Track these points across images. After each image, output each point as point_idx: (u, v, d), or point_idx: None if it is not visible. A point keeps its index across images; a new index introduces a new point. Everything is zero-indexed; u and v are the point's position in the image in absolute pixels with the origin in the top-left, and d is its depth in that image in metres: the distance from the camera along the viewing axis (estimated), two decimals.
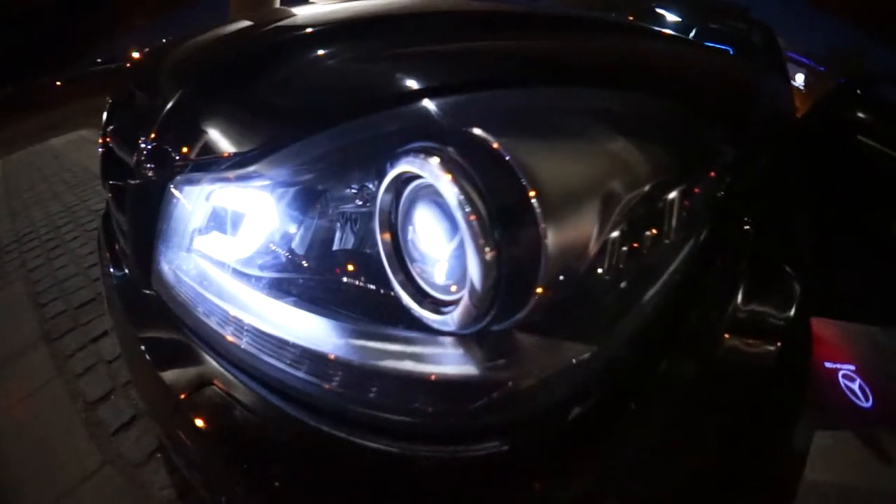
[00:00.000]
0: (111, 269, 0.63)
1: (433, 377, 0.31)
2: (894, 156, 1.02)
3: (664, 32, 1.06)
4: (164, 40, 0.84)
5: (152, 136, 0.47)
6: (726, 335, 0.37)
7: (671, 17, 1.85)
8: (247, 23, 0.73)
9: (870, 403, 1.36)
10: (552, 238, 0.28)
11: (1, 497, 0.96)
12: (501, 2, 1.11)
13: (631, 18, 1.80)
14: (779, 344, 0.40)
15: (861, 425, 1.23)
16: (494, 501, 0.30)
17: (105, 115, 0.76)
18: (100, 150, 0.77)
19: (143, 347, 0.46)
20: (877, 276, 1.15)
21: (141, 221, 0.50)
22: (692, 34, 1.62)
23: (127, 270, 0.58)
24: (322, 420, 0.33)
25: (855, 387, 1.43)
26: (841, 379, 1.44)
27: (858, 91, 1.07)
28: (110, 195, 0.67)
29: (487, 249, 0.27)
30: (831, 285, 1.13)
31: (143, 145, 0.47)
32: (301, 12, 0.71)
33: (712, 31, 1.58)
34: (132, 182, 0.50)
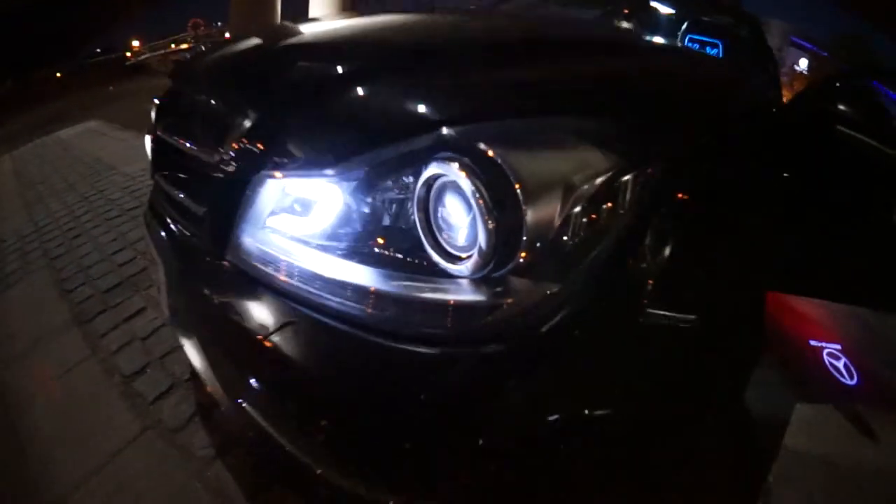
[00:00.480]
0: (169, 246, 0.70)
1: (452, 303, 0.47)
2: (871, 145, 1.09)
3: (638, 46, 1.14)
4: (204, 45, 0.93)
5: (243, 140, 0.57)
6: (650, 284, 0.52)
7: (665, 10, 1.91)
8: (303, 35, 0.88)
9: (854, 381, 1.45)
10: (531, 215, 0.44)
11: (43, 467, 1.03)
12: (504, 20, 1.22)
13: (626, 11, 1.85)
14: (695, 314, 0.56)
15: (845, 402, 1.32)
16: (496, 379, 0.48)
17: (154, 113, 0.84)
18: (150, 144, 0.84)
19: (220, 304, 0.57)
20: (853, 258, 1.23)
21: (220, 206, 0.60)
22: (684, 27, 1.68)
23: (196, 245, 0.66)
24: (379, 336, 0.48)
25: (840, 365, 1.52)
26: (826, 357, 1.53)
27: (837, 84, 1.14)
28: (169, 183, 0.75)
29: (490, 223, 0.43)
30: (806, 264, 1.21)
31: (232, 146, 0.58)
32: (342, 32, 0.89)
33: (703, 24, 1.64)
34: (217, 175, 0.60)
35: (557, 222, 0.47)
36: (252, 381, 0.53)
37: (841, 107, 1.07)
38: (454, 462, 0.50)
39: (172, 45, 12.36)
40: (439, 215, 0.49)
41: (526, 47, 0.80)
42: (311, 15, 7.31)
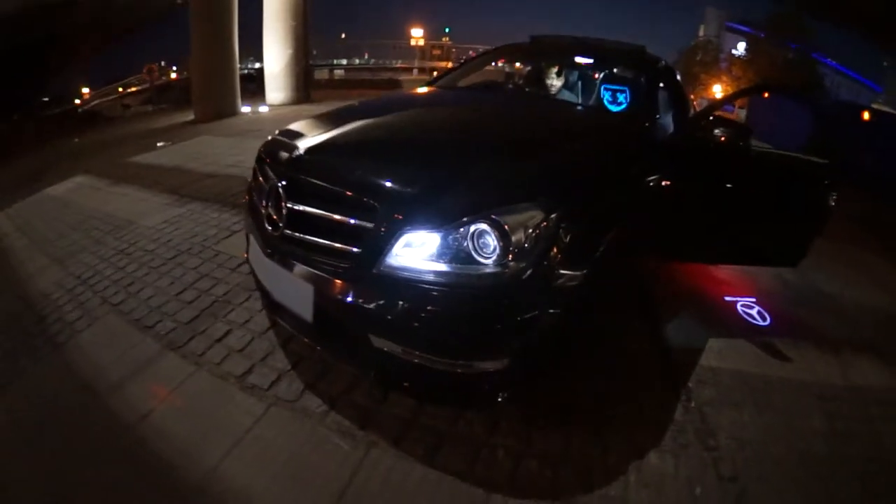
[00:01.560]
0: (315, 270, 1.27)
1: (486, 272, 1.12)
2: (732, 155, 1.82)
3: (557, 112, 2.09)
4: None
5: (393, 215, 1.17)
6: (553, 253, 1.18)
7: (586, 62, 2.67)
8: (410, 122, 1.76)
9: (767, 322, 2.19)
10: (511, 241, 1.12)
11: (188, 449, 1.38)
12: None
13: (556, 69, 2.57)
14: (585, 269, 1.23)
15: (757, 336, 2.03)
16: (500, 298, 1.13)
17: (289, 165, 1.41)
18: (283, 181, 1.36)
19: (373, 293, 1.17)
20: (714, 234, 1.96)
21: (374, 244, 1.19)
22: (600, 78, 2.42)
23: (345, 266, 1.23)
24: (459, 289, 1.13)
25: (753, 312, 2.28)
26: (739, 307, 2.28)
27: (710, 117, 1.88)
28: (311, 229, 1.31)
29: (500, 244, 1.11)
30: (693, 237, 1.98)
31: (385, 217, 1.18)
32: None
33: (613, 77, 2.37)
34: (368, 225, 1.22)
35: (522, 241, 1.12)
36: (396, 325, 1.14)
37: (715, 131, 1.80)
38: (494, 338, 1.17)
39: (120, 90, 11.98)
40: (476, 242, 1.13)
41: (513, 148, 1.51)
42: (265, 50, 7.51)
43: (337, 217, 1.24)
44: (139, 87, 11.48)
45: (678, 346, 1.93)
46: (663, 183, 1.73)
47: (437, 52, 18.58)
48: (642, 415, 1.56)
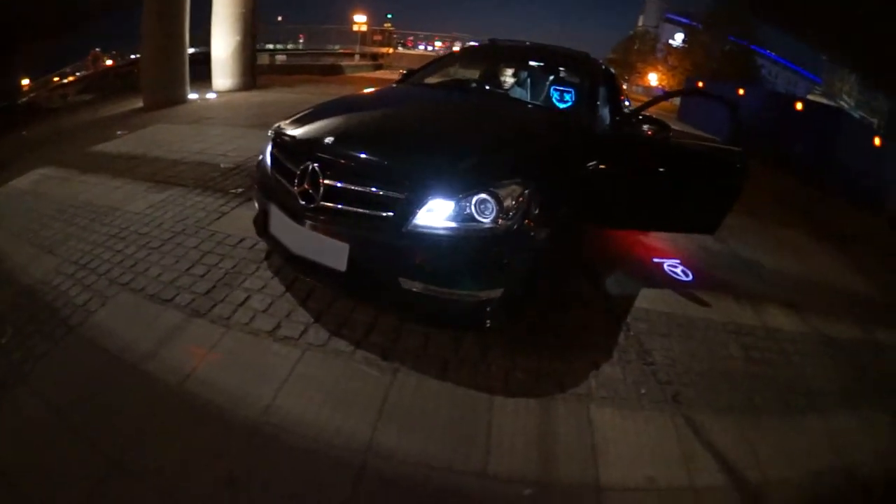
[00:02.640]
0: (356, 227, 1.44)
1: (485, 227, 1.41)
2: (654, 146, 2.10)
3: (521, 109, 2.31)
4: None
5: (425, 189, 1.41)
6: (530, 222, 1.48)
7: (538, 65, 2.84)
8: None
9: (690, 279, 2.55)
10: (504, 205, 1.42)
11: (236, 399, 1.45)
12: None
13: (512, 71, 2.73)
14: (525, 218, 1.46)
15: (681, 288, 2.37)
16: (497, 243, 1.42)
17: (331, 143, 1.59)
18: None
19: (404, 245, 1.39)
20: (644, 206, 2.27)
21: (406, 209, 1.43)
22: (549, 80, 2.61)
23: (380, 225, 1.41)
24: (469, 237, 1.41)
25: (678, 270, 2.64)
26: (666, 267, 2.64)
27: (640, 116, 2.15)
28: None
29: (495, 207, 1.40)
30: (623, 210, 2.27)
31: (416, 191, 1.43)
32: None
33: (561, 80, 2.58)
34: (399, 195, 1.44)
35: (509, 206, 1.41)
36: (421, 269, 1.37)
37: (643, 126, 2.07)
38: (491, 273, 1.45)
39: (56, 79, 10.07)
40: (479, 207, 1.39)
41: (497, 139, 1.77)
42: (213, 36, 6.80)
43: (373, 191, 1.46)
44: (76, 77, 9.83)
45: (617, 294, 2.25)
46: (601, 166, 2.02)
47: (377, 37, 17.56)
48: (594, 341, 1.87)
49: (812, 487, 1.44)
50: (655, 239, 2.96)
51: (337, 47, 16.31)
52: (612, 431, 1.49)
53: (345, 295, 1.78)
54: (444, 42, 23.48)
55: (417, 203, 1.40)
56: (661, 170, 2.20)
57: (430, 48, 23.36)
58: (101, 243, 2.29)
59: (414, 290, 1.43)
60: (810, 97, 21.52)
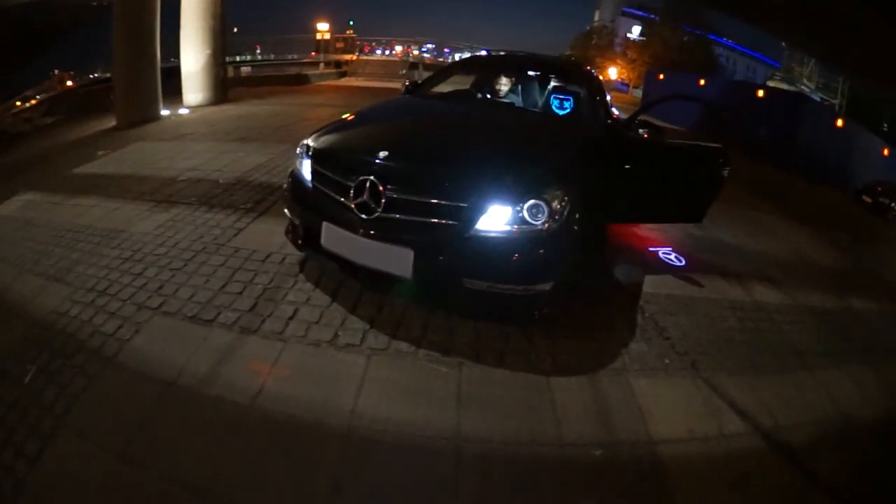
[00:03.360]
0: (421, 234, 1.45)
1: (538, 228, 1.48)
2: (648, 147, 2.24)
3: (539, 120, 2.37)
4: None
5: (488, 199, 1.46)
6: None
7: (536, 75, 2.86)
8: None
9: (683, 264, 2.72)
10: (553, 209, 1.49)
11: (316, 404, 1.36)
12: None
13: (513, 80, 2.77)
14: (569, 219, 1.56)
15: (677, 273, 2.53)
16: (543, 241, 1.48)
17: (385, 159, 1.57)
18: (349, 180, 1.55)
19: (470, 246, 1.45)
20: (641, 201, 2.42)
21: (471, 214, 1.48)
22: (549, 89, 2.65)
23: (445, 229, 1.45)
24: (514, 235, 1.47)
25: (672, 257, 2.81)
26: (661, 255, 2.80)
27: (636, 120, 2.29)
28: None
29: (546, 211, 1.47)
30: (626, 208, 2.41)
31: (476, 201, 1.47)
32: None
33: (560, 89, 2.61)
34: (461, 205, 1.49)
35: (555, 210, 1.48)
36: (483, 269, 1.43)
37: (640, 130, 2.20)
38: (543, 268, 1.52)
39: (18, 103, 8.57)
40: (531, 212, 1.44)
41: (531, 145, 1.88)
42: (182, 50, 6.26)
43: (436, 201, 1.49)
44: (38, 100, 8.52)
45: (625, 281, 2.38)
46: (608, 168, 2.14)
47: (340, 45, 16.28)
48: (617, 323, 1.98)
49: (815, 429, 1.65)
50: (647, 230, 3.11)
51: (292, 56, 15.13)
52: (651, 396, 1.60)
53: (410, 299, 1.76)
54: (404, 47, 21.90)
55: (479, 211, 1.45)
56: (656, 168, 2.36)
57: (388, 52, 21.99)
58: (115, 267, 2.04)
59: (478, 288, 1.46)
60: (770, 83, 21.53)
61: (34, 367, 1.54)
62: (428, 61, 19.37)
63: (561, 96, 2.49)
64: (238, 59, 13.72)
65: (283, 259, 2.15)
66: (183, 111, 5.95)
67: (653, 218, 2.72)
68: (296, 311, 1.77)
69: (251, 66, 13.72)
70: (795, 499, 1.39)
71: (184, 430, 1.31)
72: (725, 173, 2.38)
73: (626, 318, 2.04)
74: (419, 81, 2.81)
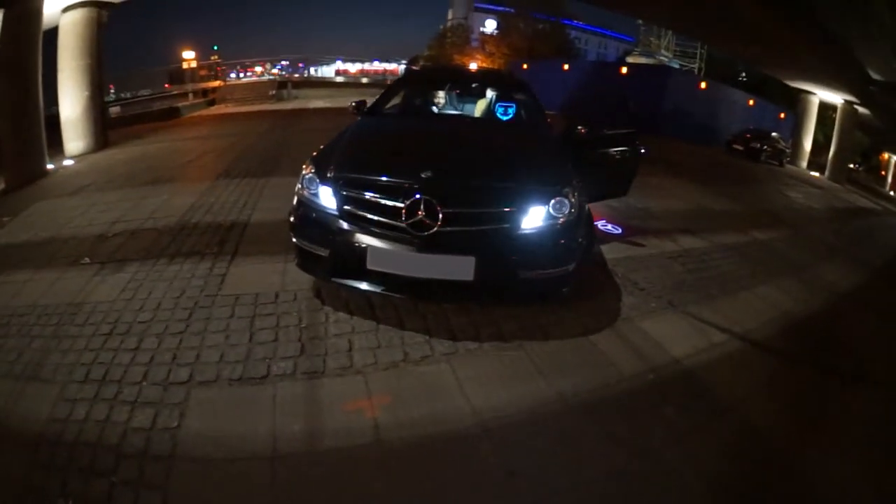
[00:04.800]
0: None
1: (561, 220, 1.79)
2: (584, 139, 2.68)
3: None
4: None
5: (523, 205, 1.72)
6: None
7: (477, 86, 3.13)
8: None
9: (621, 231, 3.30)
10: (573, 204, 1.80)
11: (444, 418, 1.42)
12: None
13: (461, 93, 2.99)
14: (580, 209, 1.88)
15: (621, 238, 3.11)
16: (565, 229, 1.77)
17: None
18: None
19: (513, 239, 1.71)
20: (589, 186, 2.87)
21: (518, 216, 1.74)
22: (493, 98, 2.93)
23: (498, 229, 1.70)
24: (550, 228, 1.76)
25: (610, 227, 3.39)
26: (601, 227, 3.36)
27: (579, 128, 2.67)
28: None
29: (568, 206, 1.79)
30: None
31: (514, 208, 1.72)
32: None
33: (504, 98, 2.89)
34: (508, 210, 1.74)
35: (572, 203, 1.79)
36: (531, 259, 1.70)
37: (578, 127, 2.62)
38: (571, 252, 1.81)
39: None
40: (557, 207, 1.75)
41: (532, 155, 2.18)
42: (60, 95, 5.38)
43: (489, 210, 1.71)
44: None
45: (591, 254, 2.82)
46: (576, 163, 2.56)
47: (203, 72, 15.04)
48: (605, 287, 2.44)
49: (770, 326, 2.37)
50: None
51: (151, 91, 13.54)
52: (657, 330, 2.09)
53: (473, 300, 1.89)
54: (263, 66, 21.89)
55: (522, 212, 1.71)
56: (595, 156, 2.81)
57: (248, 74, 21.25)
58: (99, 347, 1.70)
59: (527, 277, 1.71)
60: (630, 59, 23.30)
61: (70, 500, 1.16)
62: (296, 79, 20.09)
63: (505, 104, 2.78)
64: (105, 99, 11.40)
65: (295, 296, 2.05)
66: (68, 162, 5.01)
67: (595, 198, 3.25)
68: (351, 342, 1.76)
69: (121, 104, 11.76)
70: (779, 370, 2.03)
71: (345, 492, 1.19)
72: (642, 151, 2.96)
73: (609, 282, 2.52)
74: (365, 101, 2.84)
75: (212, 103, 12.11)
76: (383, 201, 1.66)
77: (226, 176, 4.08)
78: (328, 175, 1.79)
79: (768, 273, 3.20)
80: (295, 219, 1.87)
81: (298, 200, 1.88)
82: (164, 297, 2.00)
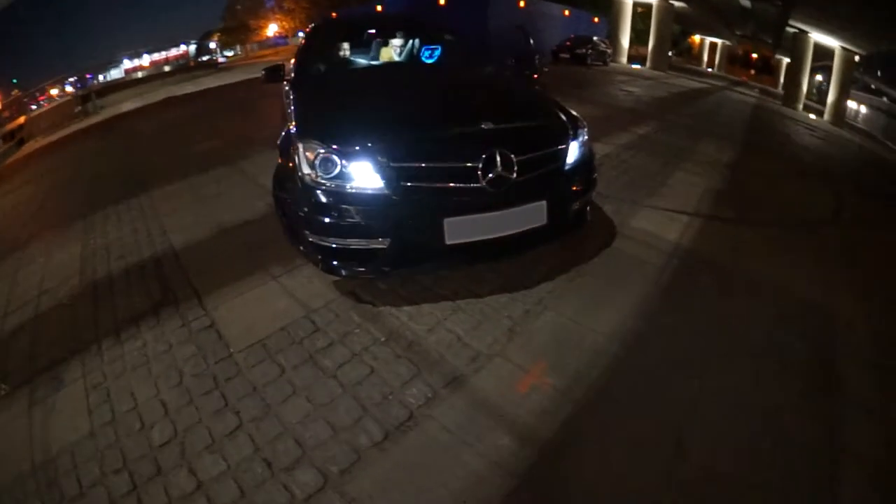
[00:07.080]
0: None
1: (586, 152, 1.91)
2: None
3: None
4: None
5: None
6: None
7: (404, 31, 2.86)
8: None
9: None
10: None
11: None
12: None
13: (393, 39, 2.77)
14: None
15: None
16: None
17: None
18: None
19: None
20: None
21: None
22: (418, 42, 2.78)
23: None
24: (582, 161, 1.84)
25: None
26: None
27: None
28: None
29: (584, 141, 1.89)
30: None
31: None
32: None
33: (429, 41, 2.77)
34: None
35: (587, 135, 1.90)
36: (576, 192, 1.82)
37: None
38: (593, 181, 1.94)
39: None
40: (581, 140, 1.83)
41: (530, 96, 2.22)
42: None
43: (546, 152, 1.69)
44: None
45: None
46: None
47: (6, 113, 12.03)
48: (608, 238, 2.31)
49: (705, 202, 2.96)
50: None
51: None
52: (644, 226, 2.45)
53: (548, 241, 1.83)
54: (58, 89, 19.94)
55: (567, 149, 1.77)
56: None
57: (43, 102, 16.72)
58: (110, 445, 1.12)
59: (576, 209, 1.83)
60: None
61: None
62: (97, 87, 19.65)
63: (431, 47, 2.70)
64: None
65: (334, 311, 1.70)
66: None
67: None
68: (452, 332, 1.59)
69: None
70: (733, 231, 2.56)
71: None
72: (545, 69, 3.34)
73: (608, 233, 2.40)
74: (282, 65, 2.42)
75: (21, 143, 9.92)
76: (451, 164, 1.48)
77: (93, 209, 3.06)
78: (357, 149, 1.46)
79: (670, 162, 3.86)
80: (309, 214, 1.50)
81: (308, 190, 1.49)
82: (158, 394, 1.37)
